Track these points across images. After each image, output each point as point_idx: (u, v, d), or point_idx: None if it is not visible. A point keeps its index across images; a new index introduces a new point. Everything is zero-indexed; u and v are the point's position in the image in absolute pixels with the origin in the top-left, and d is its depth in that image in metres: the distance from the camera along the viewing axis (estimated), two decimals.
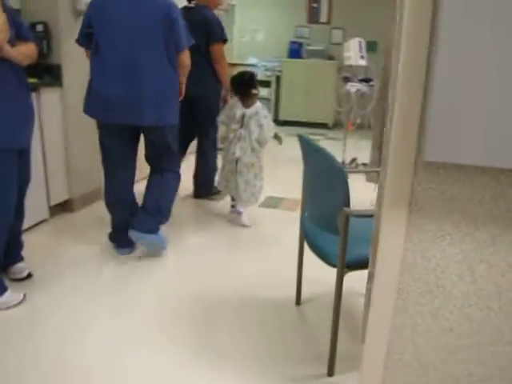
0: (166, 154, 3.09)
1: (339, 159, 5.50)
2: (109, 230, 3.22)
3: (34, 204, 3.27)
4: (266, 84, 8.67)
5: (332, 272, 2.03)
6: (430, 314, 1.32)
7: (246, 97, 3.59)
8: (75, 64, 3.59)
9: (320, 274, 2.48)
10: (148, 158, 3.15)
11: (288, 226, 3.75)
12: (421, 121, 1.20)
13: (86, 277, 2.87)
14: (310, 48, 8.83)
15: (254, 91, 3.60)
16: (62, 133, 3.64)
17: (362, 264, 2.02)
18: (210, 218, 3.96)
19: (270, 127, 3.62)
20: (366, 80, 5.44)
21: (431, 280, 1.30)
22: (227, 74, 3.97)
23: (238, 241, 3.55)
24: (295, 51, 8.94)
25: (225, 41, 3.94)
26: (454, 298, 1.30)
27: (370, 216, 1.87)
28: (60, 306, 2.54)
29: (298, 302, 2.66)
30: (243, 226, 3.76)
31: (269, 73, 8.80)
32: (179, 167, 3.29)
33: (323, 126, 8.70)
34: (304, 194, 2.44)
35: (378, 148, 3.96)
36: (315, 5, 9.27)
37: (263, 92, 9.20)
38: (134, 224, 3.00)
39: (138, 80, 2.74)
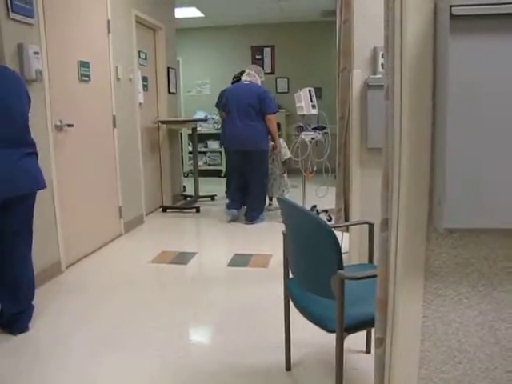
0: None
1: None
2: None
3: None
4: (217, 137, 8.71)
5: (318, 330, 1.99)
6: (456, 380, 1.30)
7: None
8: None
9: (307, 335, 2.43)
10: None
11: (262, 285, 3.70)
12: (430, 188, 1.20)
13: None
14: None
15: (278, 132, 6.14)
16: None
17: (360, 326, 2.00)
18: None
19: (288, 153, 6.17)
20: (320, 128, 5.55)
21: (453, 345, 1.28)
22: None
23: (215, 306, 3.45)
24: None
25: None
26: (478, 362, 1.28)
27: (367, 278, 1.88)
28: None
29: (289, 367, 2.58)
30: None
31: (218, 125, 8.87)
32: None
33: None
34: (286, 256, 2.41)
35: (342, 196, 4.02)
36: (259, 56, 9.53)
37: (214, 145, 9.26)
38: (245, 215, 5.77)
39: (248, 127, 5.50)
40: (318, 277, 2.04)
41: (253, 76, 5.77)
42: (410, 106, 1.21)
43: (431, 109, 1.20)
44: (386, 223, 1.45)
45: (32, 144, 2.89)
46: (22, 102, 2.81)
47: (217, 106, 6.42)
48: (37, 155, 2.95)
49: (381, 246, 1.48)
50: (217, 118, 8.91)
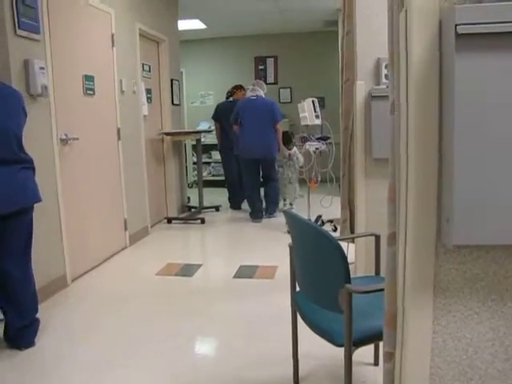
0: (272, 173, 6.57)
1: (305, 217, 5.53)
2: None
3: None
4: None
5: (326, 342, 1.98)
6: None
7: (287, 145, 6.57)
8: None
9: (314, 347, 2.41)
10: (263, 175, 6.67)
11: (269, 296, 3.69)
12: (438, 203, 1.20)
13: None
14: None
15: (293, 140, 6.63)
16: None
17: (369, 340, 1.99)
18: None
19: (301, 160, 6.42)
20: (324, 138, 5.56)
21: (464, 362, 1.27)
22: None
23: (221, 318, 3.44)
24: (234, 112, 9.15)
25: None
26: (490, 379, 1.27)
27: (375, 291, 1.87)
28: None
29: (297, 380, 2.56)
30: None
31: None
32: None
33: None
34: (293, 268, 2.40)
35: (347, 206, 4.02)
36: (262, 67, 9.57)
37: (217, 156, 9.25)
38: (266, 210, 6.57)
39: (263, 137, 6.18)
40: (325, 290, 2.04)
41: (257, 90, 6.40)
42: (416, 122, 1.21)
43: (438, 125, 1.20)
44: (393, 237, 1.45)
45: (27, 161, 2.90)
46: (18, 123, 2.83)
47: (213, 118, 7.33)
48: (33, 170, 2.96)
49: (388, 261, 1.47)
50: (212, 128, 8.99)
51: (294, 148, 6.54)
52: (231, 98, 7.27)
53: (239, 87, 7.28)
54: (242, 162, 6.53)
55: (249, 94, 6.46)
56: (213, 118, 7.39)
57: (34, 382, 2.61)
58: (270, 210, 6.61)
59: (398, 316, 1.39)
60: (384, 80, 3.44)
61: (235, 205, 7.44)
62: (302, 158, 6.40)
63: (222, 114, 7.15)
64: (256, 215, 6.48)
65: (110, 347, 2.99)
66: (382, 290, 1.62)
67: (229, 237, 5.76)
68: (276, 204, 6.68)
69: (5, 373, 2.69)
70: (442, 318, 1.27)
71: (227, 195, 7.55)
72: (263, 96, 6.40)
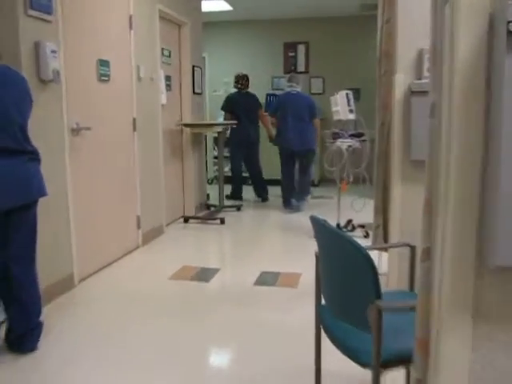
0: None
1: (334, 221, 5.51)
2: None
3: None
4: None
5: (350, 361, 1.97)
6: None
7: None
8: None
9: (338, 365, 2.40)
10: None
11: (290, 306, 3.69)
12: (480, 219, 1.18)
13: None
14: None
15: None
16: None
17: (399, 361, 1.98)
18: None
19: None
20: (358, 135, 5.52)
21: None
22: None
23: (239, 328, 3.45)
24: (273, 104, 9.11)
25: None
26: None
27: (407, 310, 1.85)
28: None
29: None
30: None
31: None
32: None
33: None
34: (318, 279, 2.39)
35: (381, 211, 3.99)
36: (292, 53, 9.53)
37: None
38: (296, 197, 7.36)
39: (304, 130, 7.01)
40: (352, 305, 2.03)
41: (295, 87, 7.22)
42: (459, 127, 1.20)
43: (483, 132, 1.18)
44: (427, 252, 1.43)
45: (32, 152, 2.93)
46: (22, 110, 2.87)
47: (224, 109, 8.01)
48: (39, 161, 3.00)
49: (422, 278, 1.45)
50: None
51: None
52: (244, 90, 7.98)
53: (247, 78, 8.03)
54: (282, 152, 7.35)
55: (288, 89, 7.27)
56: (224, 109, 8.02)
57: None
58: (300, 198, 7.45)
59: (430, 339, 1.37)
60: (426, 73, 3.40)
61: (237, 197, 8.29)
62: None
63: (236, 106, 7.88)
64: (290, 204, 7.35)
65: (116, 354, 3.03)
66: (415, 308, 1.61)
67: (250, 239, 5.77)
68: (307, 193, 7.61)
69: (4, 378, 2.74)
70: (481, 345, 1.25)
71: (249, 191, 8.35)
72: (301, 92, 7.35)
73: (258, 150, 8.19)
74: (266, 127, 7.94)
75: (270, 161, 8.74)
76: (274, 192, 8.29)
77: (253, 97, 8.02)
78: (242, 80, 7.95)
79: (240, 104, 7.87)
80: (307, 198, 7.63)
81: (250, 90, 8.05)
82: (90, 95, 4.35)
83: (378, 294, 1.85)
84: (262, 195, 8.21)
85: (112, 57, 4.67)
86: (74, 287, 4.09)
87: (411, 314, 1.70)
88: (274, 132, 7.50)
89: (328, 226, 2.17)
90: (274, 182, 8.49)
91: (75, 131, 4.10)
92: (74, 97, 4.06)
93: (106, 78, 4.58)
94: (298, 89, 7.22)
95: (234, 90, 8.10)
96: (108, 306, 3.78)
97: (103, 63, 4.51)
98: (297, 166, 7.39)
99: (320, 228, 2.23)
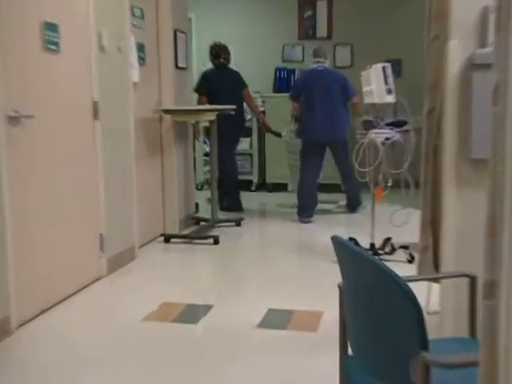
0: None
1: (366, 240, 5.50)
2: None
3: None
4: (247, 132, 8.90)
5: None
6: None
7: None
8: None
9: None
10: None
11: (307, 357, 3.66)
12: None
13: None
14: None
15: None
16: None
17: None
18: None
19: None
20: (398, 124, 5.50)
21: None
22: None
23: None
24: (284, 82, 9.14)
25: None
26: None
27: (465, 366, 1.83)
28: None
29: None
30: None
31: (248, 115, 8.87)
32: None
33: (332, 188, 8.78)
34: (343, 321, 2.38)
35: (430, 227, 3.97)
36: (309, 13, 9.51)
37: (242, 145, 9.32)
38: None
39: (331, 116, 7.28)
40: (390, 358, 2.01)
41: (322, 62, 7.47)
42: None
43: None
44: (490, 286, 1.41)
45: None
46: None
47: (196, 91, 8.13)
48: None
49: (485, 320, 1.43)
50: None
51: None
52: (228, 64, 8.21)
53: (228, 50, 8.21)
54: (305, 146, 7.66)
55: (313, 66, 7.54)
56: (197, 90, 8.14)
57: None
58: (352, 207, 7.93)
59: None
60: (492, 40, 3.38)
61: (234, 205, 8.18)
62: None
63: (215, 86, 7.89)
64: (305, 213, 7.44)
65: None
66: (475, 363, 1.59)
67: (253, 265, 5.78)
68: (357, 199, 7.88)
69: None
70: None
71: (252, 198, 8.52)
72: (329, 67, 7.67)
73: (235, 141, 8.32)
74: (255, 113, 8.18)
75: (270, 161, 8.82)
76: (274, 200, 8.29)
77: (236, 74, 8.11)
78: (223, 53, 8.08)
79: (220, 84, 7.88)
80: (360, 204, 7.89)
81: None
82: (33, 71, 4.33)
83: (424, 344, 1.83)
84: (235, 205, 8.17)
85: (62, 18, 4.66)
86: (10, 335, 4.02)
87: (471, 369, 1.68)
88: (298, 114, 7.65)
89: (353, 248, 2.16)
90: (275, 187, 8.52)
91: (13, 119, 4.07)
92: (10, 74, 4.04)
93: (55, 48, 4.56)
94: (326, 64, 7.45)
95: (232, 64, 8.19)
96: (54, 361, 3.72)
97: (50, 27, 4.48)
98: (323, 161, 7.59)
99: (344, 251, 2.21)
